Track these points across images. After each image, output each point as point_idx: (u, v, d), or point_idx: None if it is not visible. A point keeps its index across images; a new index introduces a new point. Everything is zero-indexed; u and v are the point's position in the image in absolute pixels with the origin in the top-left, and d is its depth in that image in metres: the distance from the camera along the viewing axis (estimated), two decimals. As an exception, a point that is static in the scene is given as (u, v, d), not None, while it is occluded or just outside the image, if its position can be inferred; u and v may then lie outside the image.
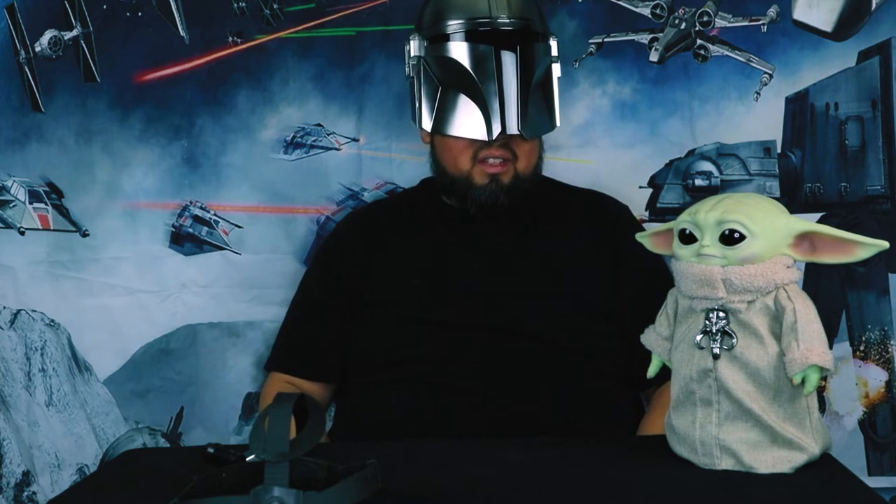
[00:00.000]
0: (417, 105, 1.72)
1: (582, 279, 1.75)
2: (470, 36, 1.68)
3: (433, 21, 1.73)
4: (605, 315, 1.73)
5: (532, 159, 1.75)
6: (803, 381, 1.20)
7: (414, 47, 1.73)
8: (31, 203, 2.10)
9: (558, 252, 1.76)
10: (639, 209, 1.99)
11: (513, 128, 1.66)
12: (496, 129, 1.66)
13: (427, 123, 1.72)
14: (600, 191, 1.92)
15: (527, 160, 1.73)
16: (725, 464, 1.25)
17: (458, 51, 1.68)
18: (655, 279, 1.55)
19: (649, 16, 2.03)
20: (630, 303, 1.69)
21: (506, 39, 1.67)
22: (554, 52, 1.74)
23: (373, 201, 2.01)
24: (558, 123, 1.76)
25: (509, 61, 1.66)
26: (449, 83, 1.69)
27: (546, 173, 1.88)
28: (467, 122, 1.68)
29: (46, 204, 2.09)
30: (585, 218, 1.82)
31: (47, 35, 2.08)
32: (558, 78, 1.75)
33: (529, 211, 1.79)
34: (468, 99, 1.67)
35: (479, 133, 1.67)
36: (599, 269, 1.76)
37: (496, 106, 1.65)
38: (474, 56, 1.67)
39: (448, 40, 1.70)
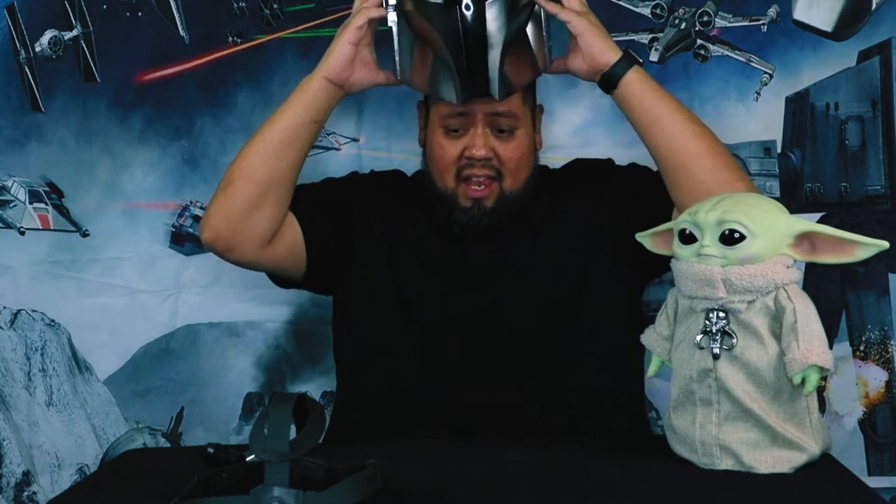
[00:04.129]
0: (397, 55, 1.64)
1: (584, 271, 1.71)
2: None
3: None
4: (607, 307, 1.71)
5: (521, 175, 1.69)
6: (803, 381, 1.20)
7: None
8: (31, 203, 2.10)
9: (560, 248, 1.74)
10: (639, 209, 1.98)
11: (484, 91, 1.57)
12: (466, 93, 1.57)
13: (403, 73, 1.64)
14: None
15: (513, 178, 1.67)
16: (725, 464, 1.26)
17: (427, 7, 1.58)
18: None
19: (649, 16, 2.02)
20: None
21: None
22: None
23: (401, 177, 1.89)
24: (546, 65, 1.65)
25: (478, 19, 1.56)
26: (422, 39, 1.61)
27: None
28: (439, 82, 1.60)
29: (46, 204, 2.09)
30: (578, 196, 1.76)
31: (47, 35, 2.08)
32: (548, 18, 1.63)
33: (536, 206, 1.76)
34: (439, 59, 1.59)
35: (450, 96, 1.59)
36: (600, 249, 1.71)
37: (464, 69, 1.56)
38: (440, 14, 1.57)
39: None
